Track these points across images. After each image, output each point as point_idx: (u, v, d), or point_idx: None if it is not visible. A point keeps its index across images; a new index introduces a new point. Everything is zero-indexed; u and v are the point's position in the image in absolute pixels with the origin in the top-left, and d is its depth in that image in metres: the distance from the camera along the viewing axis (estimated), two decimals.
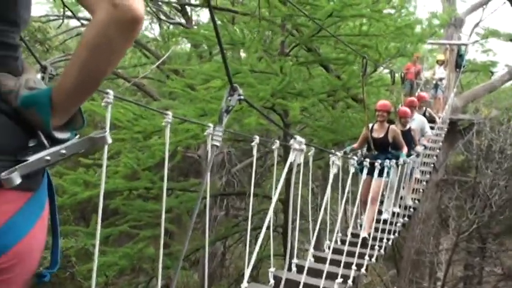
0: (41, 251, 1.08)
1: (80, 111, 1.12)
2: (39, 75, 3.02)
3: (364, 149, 8.14)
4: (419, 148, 8.64)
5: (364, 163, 5.81)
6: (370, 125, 7.46)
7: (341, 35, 8.61)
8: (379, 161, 6.12)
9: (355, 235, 6.56)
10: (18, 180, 0.98)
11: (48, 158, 1.04)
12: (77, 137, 1.12)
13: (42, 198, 1.07)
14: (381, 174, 6.19)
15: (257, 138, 4.72)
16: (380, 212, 7.66)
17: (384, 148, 7.24)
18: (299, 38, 9.23)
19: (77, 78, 1.02)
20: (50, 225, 1.13)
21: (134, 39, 1.06)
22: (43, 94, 1.03)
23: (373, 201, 6.73)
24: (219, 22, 9.56)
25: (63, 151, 1.06)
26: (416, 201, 9.74)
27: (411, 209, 9.12)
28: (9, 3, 1.04)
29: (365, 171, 5.85)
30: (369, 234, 6.50)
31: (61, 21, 12.36)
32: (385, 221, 7.21)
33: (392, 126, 7.38)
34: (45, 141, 1.05)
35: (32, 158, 1.01)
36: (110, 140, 1.12)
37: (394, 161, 6.72)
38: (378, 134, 7.26)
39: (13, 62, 1.08)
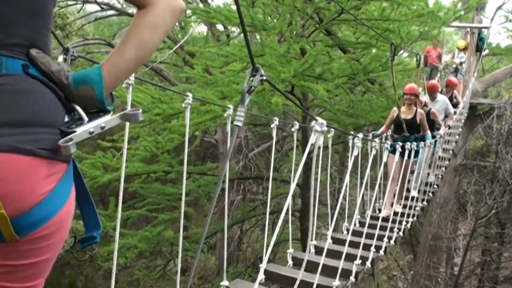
0: (71, 219, 1.14)
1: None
2: (61, 57, 3.06)
3: (389, 132, 8.25)
4: (442, 131, 8.70)
5: (397, 147, 6.05)
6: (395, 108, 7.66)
7: (362, 19, 8.49)
8: (408, 143, 6.45)
9: (374, 217, 6.57)
10: (74, 148, 1.05)
11: (92, 130, 1.12)
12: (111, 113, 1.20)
13: (71, 170, 1.13)
14: (403, 154, 6.48)
15: (276, 120, 4.70)
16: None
17: (412, 129, 7.50)
18: (319, 21, 9.11)
19: (136, 54, 1.20)
20: (79, 193, 1.18)
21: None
22: (95, 72, 1.16)
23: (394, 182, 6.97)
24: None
25: (103, 125, 1.15)
26: (440, 176, 9.76)
27: (434, 186, 9.15)
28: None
29: (397, 153, 6.07)
30: (390, 216, 6.55)
31: (79, 6, 12.40)
32: (404, 205, 7.24)
33: (420, 110, 7.65)
34: (85, 116, 1.13)
35: (80, 130, 1.09)
36: (142, 117, 1.19)
37: (422, 143, 7.01)
38: (406, 115, 7.49)
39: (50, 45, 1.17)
